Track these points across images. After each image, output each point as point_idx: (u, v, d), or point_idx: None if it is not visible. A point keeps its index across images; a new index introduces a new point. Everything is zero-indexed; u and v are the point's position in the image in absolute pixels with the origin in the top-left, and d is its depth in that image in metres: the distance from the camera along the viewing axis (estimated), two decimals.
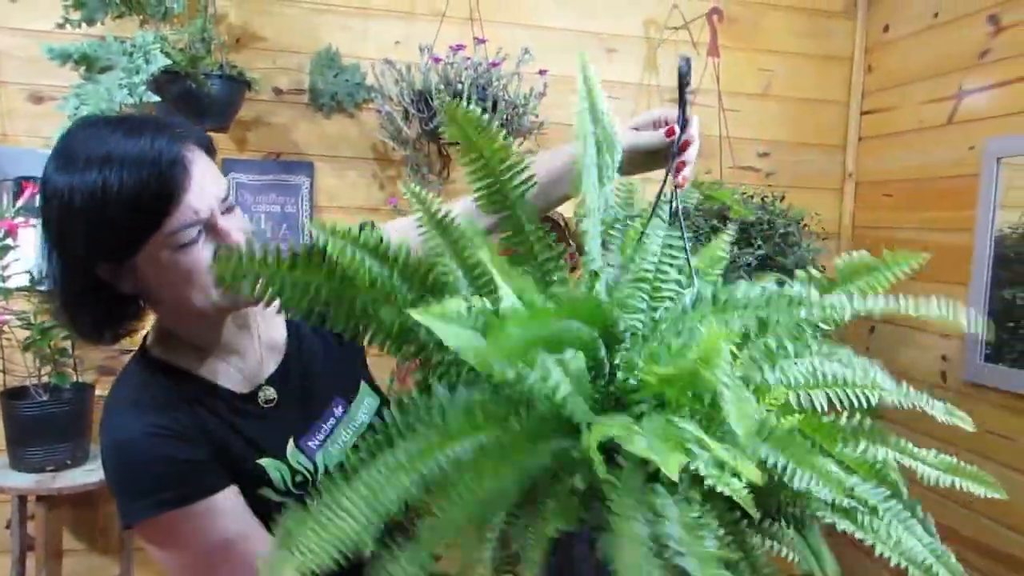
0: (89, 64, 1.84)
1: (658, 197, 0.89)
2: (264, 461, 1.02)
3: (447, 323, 0.66)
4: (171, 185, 0.89)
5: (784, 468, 0.67)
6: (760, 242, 2.18)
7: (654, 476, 0.67)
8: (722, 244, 0.97)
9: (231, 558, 0.96)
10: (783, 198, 2.28)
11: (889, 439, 0.78)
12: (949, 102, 2.33)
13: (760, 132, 2.67)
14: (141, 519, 0.94)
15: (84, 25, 1.98)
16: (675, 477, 0.57)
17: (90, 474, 2.07)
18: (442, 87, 2.12)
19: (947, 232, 2.31)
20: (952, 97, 2.32)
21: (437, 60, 2.14)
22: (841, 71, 2.73)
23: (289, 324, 1.13)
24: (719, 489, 0.63)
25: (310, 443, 1.07)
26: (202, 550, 0.97)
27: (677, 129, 0.96)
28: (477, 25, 2.38)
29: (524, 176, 0.84)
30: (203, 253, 0.92)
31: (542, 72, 2.26)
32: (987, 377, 2.16)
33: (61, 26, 1.95)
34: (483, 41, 2.23)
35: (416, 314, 0.66)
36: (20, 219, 2.00)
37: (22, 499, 2.11)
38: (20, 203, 2.07)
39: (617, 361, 0.76)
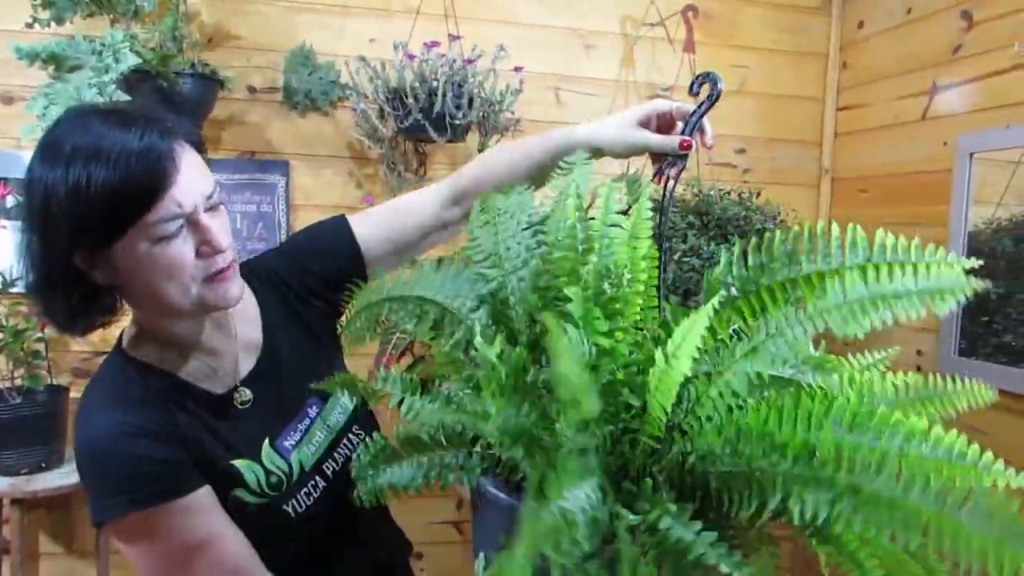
0: (58, 63, 1.82)
1: (665, 188, 0.90)
2: (238, 462, 1.02)
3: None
4: (157, 179, 0.88)
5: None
6: (736, 238, 2.19)
7: None
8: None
9: (204, 558, 0.96)
10: (759, 194, 2.28)
11: None
12: (923, 98, 2.35)
13: (736, 128, 2.67)
14: (113, 518, 0.93)
15: (53, 24, 1.96)
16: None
17: (65, 476, 2.06)
18: (417, 84, 2.11)
19: (921, 227, 2.33)
20: (926, 93, 2.34)
21: (411, 57, 2.13)
22: (817, 67, 2.74)
23: (265, 323, 1.12)
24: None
25: (285, 443, 1.07)
26: (174, 549, 0.95)
27: (692, 141, 0.99)
28: (452, 22, 2.37)
29: None
30: (183, 248, 0.92)
31: (517, 69, 2.26)
32: (962, 371, 2.18)
33: (30, 25, 1.93)
34: (458, 38, 2.22)
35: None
36: None
37: None
38: None
39: None
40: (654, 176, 0.97)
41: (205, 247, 0.94)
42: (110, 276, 0.94)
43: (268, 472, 1.04)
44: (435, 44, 2.15)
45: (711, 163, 2.57)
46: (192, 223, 0.92)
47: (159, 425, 0.96)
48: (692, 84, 1.00)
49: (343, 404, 1.14)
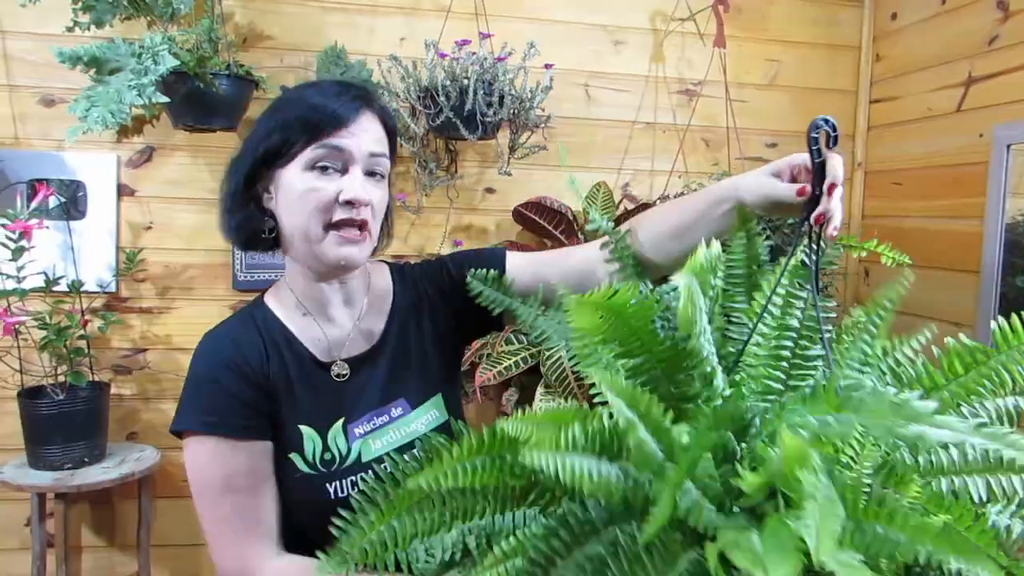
0: (99, 66, 1.86)
1: (786, 265, 0.85)
2: (305, 428, 1.08)
3: (562, 455, 0.65)
4: (333, 118, 1.05)
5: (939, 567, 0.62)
6: (769, 233, 2.18)
7: None
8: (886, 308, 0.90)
9: (236, 502, 1.04)
10: None
11: None
12: (958, 89, 2.32)
13: (767, 122, 2.66)
14: (181, 429, 1.05)
15: (93, 28, 2.00)
16: None
17: (107, 471, 2.10)
18: (448, 83, 2.13)
19: (957, 220, 2.30)
20: (961, 84, 2.31)
21: (443, 56, 2.15)
22: (849, 60, 2.72)
23: (390, 320, 1.18)
24: None
25: (356, 429, 1.11)
26: (216, 481, 1.04)
27: (809, 189, 0.91)
28: (482, 20, 2.39)
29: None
30: (329, 184, 1.05)
31: (548, 66, 2.26)
32: None
33: (71, 29, 1.98)
34: (489, 36, 2.24)
35: (527, 457, 0.64)
36: (34, 221, 2.02)
37: (41, 497, 2.14)
38: (34, 205, 2.09)
39: (741, 455, 0.74)
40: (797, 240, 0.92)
41: (343, 194, 1.04)
42: (273, 198, 1.09)
43: (327, 448, 1.08)
44: (466, 42, 2.17)
45: (741, 157, 2.56)
46: (346, 167, 1.06)
47: (252, 368, 1.07)
48: (808, 132, 0.94)
49: (432, 415, 1.17)
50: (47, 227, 2.13)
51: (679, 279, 0.77)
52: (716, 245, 0.87)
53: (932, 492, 0.74)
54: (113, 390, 2.28)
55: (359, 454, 1.10)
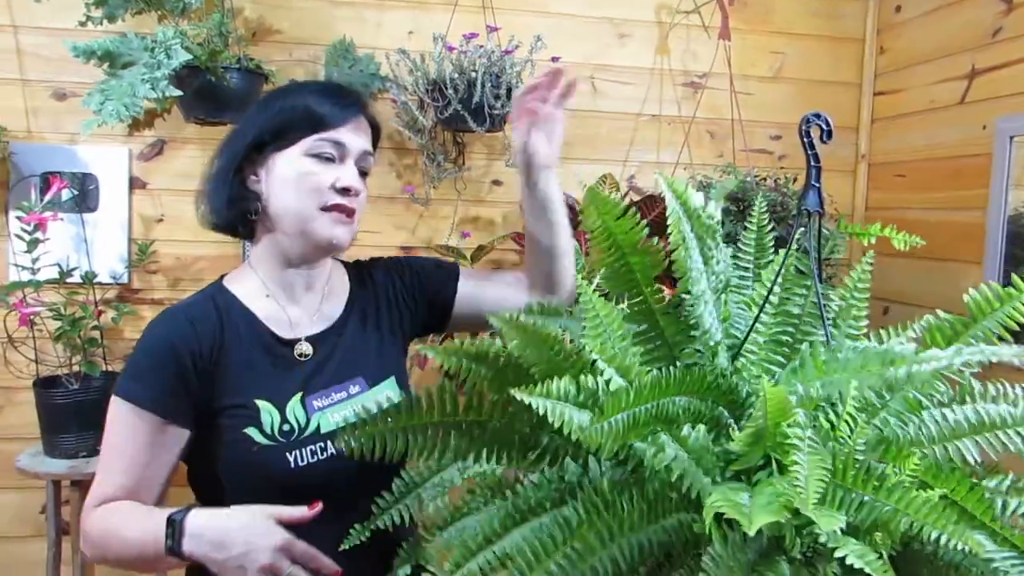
0: (112, 60, 1.89)
1: (788, 250, 0.89)
2: (261, 402, 1.11)
3: (551, 402, 0.71)
4: (339, 114, 1.16)
5: (929, 539, 0.65)
6: (774, 224, 2.20)
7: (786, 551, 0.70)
8: (860, 290, 0.96)
9: (119, 464, 1.09)
10: (796, 180, 2.29)
11: None
12: (961, 82, 2.34)
13: (772, 115, 2.68)
14: (115, 393, 1.10)
15: (105, 22, 2.02)
16: (751, 532, 0.60)
17: None
18: (456, 76, 2.15)
19: (960, 211, 2.32)
20: (964, 76, 2.32)
21: (451, 49, 2.17)
22: (853, 52, 2.73)
23: (348, 305, 1.25)
24: (848, 559, 0.64)
25: (315, 402, 1.15)
26: (115, 441, 1.10)
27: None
28: (489, 13, 2.41)
29: (652, 257, 0.88)
30: (325, 171, 1.14)
31: (554, 59, 2.29)
32: None
33: (83, 24, 2.00)
34: (496, 29, 2.26)
35: (519, 393, 0.71)
36: (48, 213, 2.06)
37: (56, 484, 2.17)
38: (48, 197, 2.13)
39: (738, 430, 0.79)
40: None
41: (340, 182, 1.14)
42: (260, 180, 1.17)
43: (284, 419, 1.12)
44: (473, 35, 2.19)
45: (746, 149, 2.58)
46: (341, 159, 1.16)
47: (201, 351, 1.11)
48: (800, 125, 0.97)
49: (389, 396, 1.19)
50: (61, 219, 2.16)
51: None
52: (712, 204, 0.91)
53: (929, 464, 0.77)
54: None
55: (318, 425, 1.14)
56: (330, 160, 1.16)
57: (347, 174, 1.16)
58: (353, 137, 1.17)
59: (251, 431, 1.10)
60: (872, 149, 2.74)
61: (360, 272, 1.32)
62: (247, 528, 1.00)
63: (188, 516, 1.01)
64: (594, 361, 0.77)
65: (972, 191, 2.27)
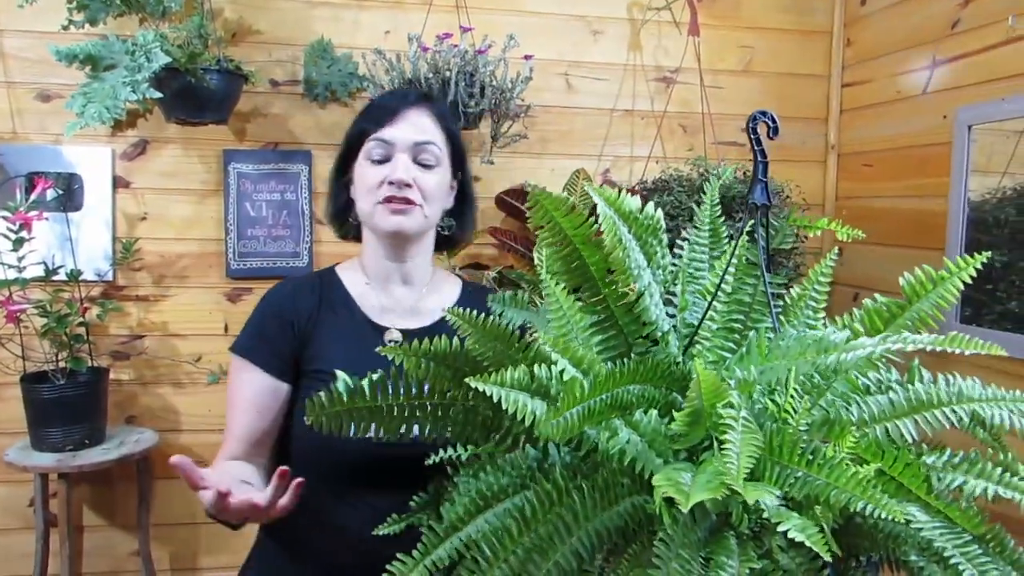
0: (94, 64, 1.94)
1: (736, 243, 0.94)
2: (341, 372, 1.18)
3: (506, 390, 0.76)
4: (379, 119, 1.29)
5: (864, 513, 0.70)
6: (741, 214, 2.26)
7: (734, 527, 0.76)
8: (821, 283, 1.01)
9: (234, 415, 1.27)
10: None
11: (990, 472, 0.80)
12: (924, 72, 2.40)
13: (742, 108, 2.74)
14: (232, 348, 1.30)
15: (87, 25, 2.07)
16: (684, 509, 0.65)
17: (107, 452, 2.19)
18: (431, 75, 2.21)
19: (924, 199, 2.39)
20: (926, 67, 2.39)
21: (425, 49, 2.23)
22: (822, 45, 2.80)
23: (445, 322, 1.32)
24: (790, 533, 0.68)
25: None
26: (232, 393, 1.29)
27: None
28: (464, 13, 2.46)
29: (604, 250, 0.92)
30: (378, 171, 1.27)
31: (527, 57, 2.34)
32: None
33: (66, 28, 2.05)
34: (469, 29, 2.31)
35: (474, 381, 0.76)
36: (33, 212, 2.10)
37: (44, 478, 2.22)
38: (33, 197, 2.17)
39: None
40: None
41: (388, 177, 1.26)
42: (351, 188, 1.33)
43: None
44: (447, 36, 2.24)
45: (716, 142, 2.64)
46: (392, 156, 1.27)
47: (299, 318, 1.28)
48: (747, 122, 0.97)
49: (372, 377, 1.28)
50: (46, 219, 2.21)
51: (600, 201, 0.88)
52: (659, 211, 0.96)
53: (869, 441, 0.82)
54: (112, 375, 2.37)
55: None
56: (383, 160, 1.28)
57: (394, 167, 1.26)
58: (399, 132, 1.28)
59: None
60: (841, 139, 2.81)
61: (474, 293, 1.41)
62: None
63: None
64: (547, 353, 0.81)
65: (935, 179, 2.33)
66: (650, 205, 0.96)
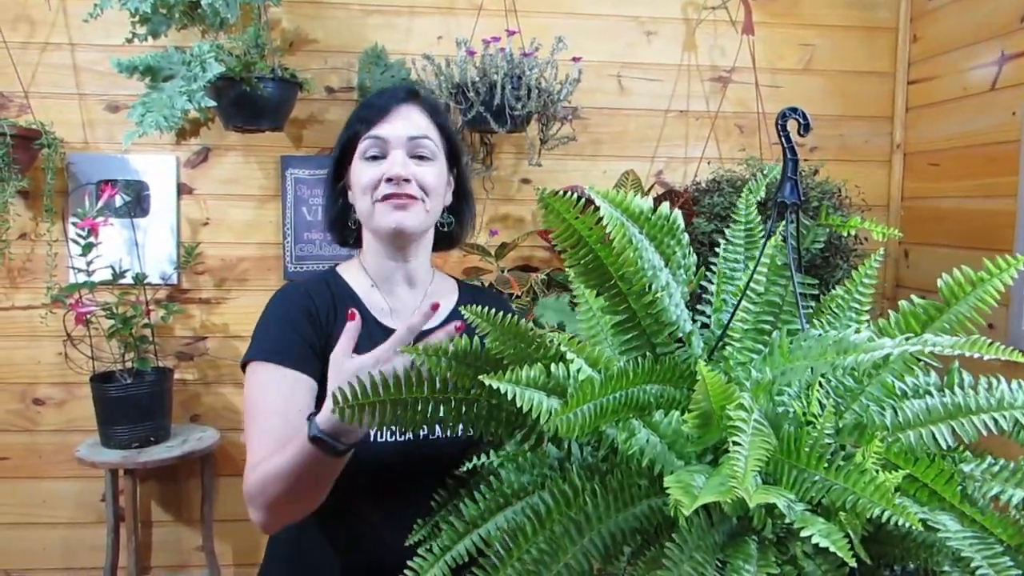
0: (153, 74, 2.01)
1: (764, 243, 0.93)
2: None
3: (521, 387, 0.76)
4: (369, 118, 1.27)
5: (891, 522, 0.67)
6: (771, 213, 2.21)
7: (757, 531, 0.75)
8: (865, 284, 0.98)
9: (269, 422, 1.17)
10: (817, 171, 2.29)
11: None
12: (992, 68, 2.31)
13: (802, 107, 2.66)
14: (248, 360, 1.23)
15: (150, 38, 2.15)
16: (686, 512, 0.64)
17: (171, 450, 2.27)
18: (477, 79, 2.23)
19: (992, 199, 2.29)
20: (994, 63, 2.29)
21: (471, 53, 2.25)
22: (886, 41, 2.71)
23: (448, 317, 1.30)
24: (814, 539, 0.67)
25: None
26: (260, 402, 1.20)
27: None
28: (514, 16, 2.47)
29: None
30: (374, 169, 1.25)
31: (576, 59, 2.33)
32: None
33: (130, 41, 2.13)
34: (515, 32, 2.32)
35: (488, 379, 0.76)
36: (101, 219, 2.20)
37: (114, 473, 2.32)
38: (101, 204, 2.27)
39: None
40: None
41: (385, 174, 1.23)
42: (348, 191, 1.32)
43: None
44: (495, 39, 2.26)
45: (774, 142, 2.59)
46: (387, 153, 1.25)
47: (320, 314, 1.26)
48: (776, 119, 0.95)
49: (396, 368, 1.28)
50: (113, 224, 2.31)
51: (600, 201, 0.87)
52: (675, 212, 0.95)
53: (901, 446, 0.80)
54: (176, 375, 2.46)
55: None
56: (378, 157, 1.26)
57: (391, 164, 1.24)
58: (392, 128, 1.26)
59: None
60: (907, 138, 2.71)
61: (471, 295, 1.39)
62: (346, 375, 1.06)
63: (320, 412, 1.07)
64: (564, 352, 0.81)
65: (1003, 178, 2.24)
66: (664, 205, 0.95)
